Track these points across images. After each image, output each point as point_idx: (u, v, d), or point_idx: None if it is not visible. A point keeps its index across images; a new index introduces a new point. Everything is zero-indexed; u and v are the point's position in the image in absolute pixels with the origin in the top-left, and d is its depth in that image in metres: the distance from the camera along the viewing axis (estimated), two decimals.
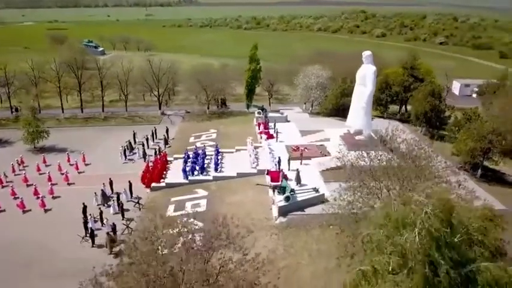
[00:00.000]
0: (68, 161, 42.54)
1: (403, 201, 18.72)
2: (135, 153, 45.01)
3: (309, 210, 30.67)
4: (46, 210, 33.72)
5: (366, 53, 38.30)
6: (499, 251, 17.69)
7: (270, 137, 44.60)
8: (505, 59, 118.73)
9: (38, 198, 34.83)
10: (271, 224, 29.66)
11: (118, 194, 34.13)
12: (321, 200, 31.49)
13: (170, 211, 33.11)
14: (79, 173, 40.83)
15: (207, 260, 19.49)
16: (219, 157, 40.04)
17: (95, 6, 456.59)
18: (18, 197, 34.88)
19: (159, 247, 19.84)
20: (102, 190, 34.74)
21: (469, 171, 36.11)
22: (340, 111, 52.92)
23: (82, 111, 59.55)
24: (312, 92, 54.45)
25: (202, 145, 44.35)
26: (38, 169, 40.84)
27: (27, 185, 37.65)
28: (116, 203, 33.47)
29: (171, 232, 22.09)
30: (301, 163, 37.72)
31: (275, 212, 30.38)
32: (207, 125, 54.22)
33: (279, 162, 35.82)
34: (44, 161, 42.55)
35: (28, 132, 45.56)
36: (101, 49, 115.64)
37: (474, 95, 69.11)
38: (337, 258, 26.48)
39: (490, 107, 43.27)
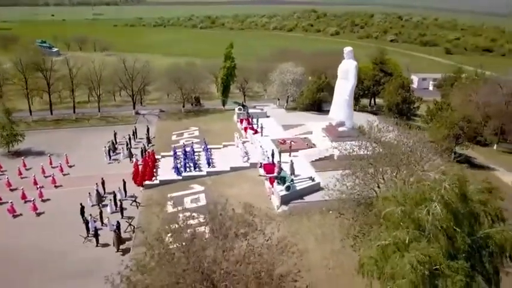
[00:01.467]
0: (50, 163, 41.29)
1: (417, 180, 20.81)
2: (119, 153, 44.50)
3: (308, 198, 32.34)
4: (38, 214, 32.86)
5: (347, 49, 40.58)
6: (499, 219, 20.12)
7: (255, 132, 45.81)
8: (451, 55, 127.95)
9: (26, 202, 33.97)
10: (274, 212, 30.95)
11: (114, 193, 33.86)
12: (316, 188, 33.28)
13: (169, 207, 33.44)
14: (64, 175, 39.84)
15: (228, 248, 20.42)
16: (210, 153, 40.71)
17: (35, 5, 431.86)
18: (4, 202, 33.80)
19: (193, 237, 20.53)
20: (96, 190, 34.40)
21: (443, 156, 39.43)
22: (316, 105, 55.31)
23: (52, 113, 57.44)
24: (287, 88, 56.29)
25: (191, 142, 44.72)
26: (20, 173, 39.41)
27: (11, 190, 36.34)
28: (112, 202, 33.31)
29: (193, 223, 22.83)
30: (289, 155, 39.24)
31: (277, 201, 31.74)
32: (186, 123, 54.44)
33: (273, 154, 37.15)
34: (24, 165, 41.02)
35: (2, 136, 43.59)
36: (55, 49, 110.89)
37: (431, 88, 74.38)
38: (341, 240, 28.46)
39: (453, 98, 47.26)
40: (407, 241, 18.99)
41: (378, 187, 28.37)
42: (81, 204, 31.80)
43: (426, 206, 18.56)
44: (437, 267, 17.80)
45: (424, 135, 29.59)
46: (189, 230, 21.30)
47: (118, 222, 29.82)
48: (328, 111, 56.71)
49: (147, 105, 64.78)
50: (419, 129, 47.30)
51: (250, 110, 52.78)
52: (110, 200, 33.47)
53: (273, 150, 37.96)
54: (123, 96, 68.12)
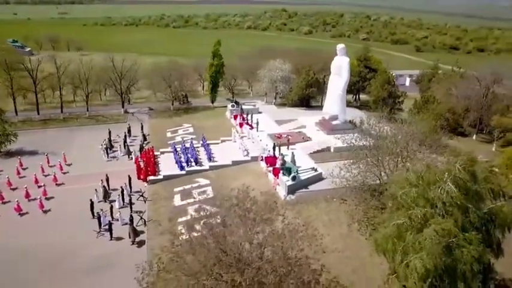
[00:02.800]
0: (48, 162, 41.06)
1: (427, 164, 22.78)
2: (116, 150, 44.78)
3: (312, 187, 34.00)
4: (45, 211, 32.92)
5: (340, 46, 42.55)
6: (500, 195, 22.36)
7: (251, 127, 47.02)
8: (421, 52, 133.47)
9: (29, 200, 33.98)
10: (282, 201, 32.32)
11: (122, 189, 34.32)
12: (319, 177, 35.01)
13: (177, 200, 34.30)
14: (63, 173, 39.79)
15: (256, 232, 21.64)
16: (210, 148, 41.69)
17: None
18: (7, 202, 33.71)
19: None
20: (103, 187, 34.75)
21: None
22: (305, 101, 57.17)
23: (38, 113, 56.47)
24: (277, 85, 57.77)
25: (190, 138, 45.48)
26: (18, 173, 39.12)
27: (12, 189, 36.09)
28: (120, 198, 33.79)
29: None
30: (288, 148, 40.77)
31: (283, 190, 33.16)
32: (179, 121, 55.04)
33: (274, 148, 38.56)
34: (21, 165, 40.59)
35: None
36: (28, 49, 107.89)
37: (407, 84, 78.02)
38: (348, 225, 30.28)
39: (435, 92, 50.23)
40: (420, 218, 20.94)
41: (380, 174, 30.41)
42: (90, 200, 32.26)
43: (440, 185, 20.52)
44: (453, 240, 19.77)
45: (419, 126, 31.69)
46: (218, 217, 22.44)
47: (131, 215, 30.42)
48: (316, 107, 59.07)
49: (134, 104, 64.61)
50: (408, 122, 50.23)
51: (246, 106, 53.89)
52: (118, 195, 33.91)
53: (274, 143, 39.40)
54: (108, 95, 67.66)
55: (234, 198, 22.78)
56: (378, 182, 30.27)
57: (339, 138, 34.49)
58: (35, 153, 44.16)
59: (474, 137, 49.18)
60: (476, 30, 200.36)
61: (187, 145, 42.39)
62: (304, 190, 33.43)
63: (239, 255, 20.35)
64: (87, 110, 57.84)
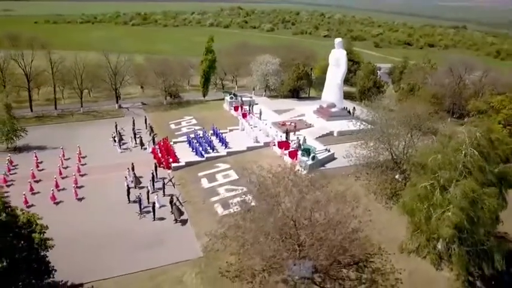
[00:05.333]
0: (63, 155, 41.86)
1: (450, 133, 27.29)
2: (126, 142, 46.17)
3: (328, 166, 37.85)
4: (80, 199, 34.25)
5: (338, 40, 46.81)
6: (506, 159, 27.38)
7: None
8: (379, 48, 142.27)
9: (59, 190, 35.13)
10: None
11: (153, 175, 36.30)
12: (332, 157, 38.96)
13: (205, 183, 36.82)
14: (82, 165, 40.82)
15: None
16: (223, 136, 44.41)
17: None
18: (36, 192, 34.65)
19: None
20: (134, 174, 36.55)
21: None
22: (295, 93, 61.02)
23: (32, 110, 56.03)
24: (268, 78, 61.05)
25: (202, 128, 47.79)
26: (37, 166, 39.78)
27: (36, 181, 36.87)
28: (151, 183, 35.81)
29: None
30: (294, 133, 44.34)
31: (304, 170, 36.70)
32: (177, 114, 56.87)
33: (287, 133, 42.04)
34: (37, 159, 41.09)
35: (2, 132, 42.86)
36: None
37: (379, 76, 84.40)
38: (365, 195, 34.46)
39: (414, 81, 55.98)
40: (445, 179, 25.30)
41: (392, 150, 34.86)
42: (127, 185, 34.14)
43: (462, 150, 24.99)
44: (475, 195, 24.21)
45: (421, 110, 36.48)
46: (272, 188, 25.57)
47: (172, 197, 32.67)
48: (305, 98, 63.30)
49: (125, 99, 65.26)
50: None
51: (244, 98, 56.70)
52: (150, 180, 35.90)
53: (287, 129, 42.85)
54: (93, 92, 67.69)
55: (284, 170, 26.23)
56: (390, 158, 34.86)
57: (351, 121, 38.58)
58: (43, 148, 44.49)
59: (449, 120, 55.44)
60: (422, 27, 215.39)
61: (201, 134, 44.82)
62: (322, 168, 37.14)
63: (301, 218, 23.82)
64: (81, 106, 58.08)
